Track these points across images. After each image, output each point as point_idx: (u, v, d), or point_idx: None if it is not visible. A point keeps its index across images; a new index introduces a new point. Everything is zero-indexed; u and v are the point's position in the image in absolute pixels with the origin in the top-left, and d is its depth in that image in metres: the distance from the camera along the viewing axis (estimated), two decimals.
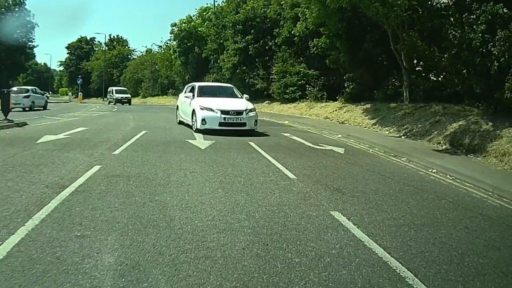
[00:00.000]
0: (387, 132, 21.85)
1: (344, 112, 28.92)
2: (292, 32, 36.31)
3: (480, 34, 15.88)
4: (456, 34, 17.22)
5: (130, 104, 59.60)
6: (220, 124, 18.32)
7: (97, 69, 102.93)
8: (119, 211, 6.79)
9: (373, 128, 23.76)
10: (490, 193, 10.13)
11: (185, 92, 22.52)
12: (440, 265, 5.53)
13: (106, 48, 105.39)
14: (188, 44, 63.08)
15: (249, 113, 19.02)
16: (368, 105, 27.96)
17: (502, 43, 15.06)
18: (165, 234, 5.92)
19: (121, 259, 5.05)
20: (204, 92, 20.64)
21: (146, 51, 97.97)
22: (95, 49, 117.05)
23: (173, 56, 72.34)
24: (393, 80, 28.30)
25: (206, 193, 8.24)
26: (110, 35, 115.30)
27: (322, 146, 16.41)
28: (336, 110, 30.25)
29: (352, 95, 31.25)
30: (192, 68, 62.12)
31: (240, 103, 19.64)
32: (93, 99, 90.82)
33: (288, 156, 13.41)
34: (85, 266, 4.84)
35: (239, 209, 7.34)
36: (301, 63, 37.92)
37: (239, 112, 18.68)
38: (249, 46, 43.59)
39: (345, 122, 26.90)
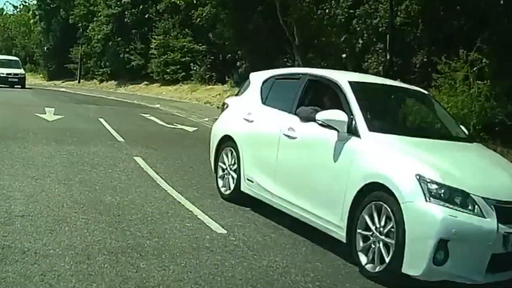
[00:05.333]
0: None
1: (227, 96, 36.39)
2: None
3: (346, 9, 22.76)
4: (326, 9, 24.36)
5: (23, 86, 50.06)
6: (495, 263, 7.48)
7: None
8: None
9: None
10: None
11: (272, 95, 10.98)
12: (196, 186, 12.72)
13: None
14: (52, 5, 67.87)
15: None
16: None
17: (362, 20, 21.80)
18: (7, 159, 13.04)
19: None
20: (379, 113, 9.77)
21: None
22: None
23: (32, 21, 77.07)
24: (285, 59, 35.49)
25: (41, 143, 15.37)
26: None
27: (174, 125, 23.76)
28: (220, 94, 37.66)
29: (243, 76, 38.41)
30: (55, 37, 67.73)
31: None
32: None
33: (131, 129, 20.68)
34: None
35: (64, 151, 14.43)
36: (186, 36, 44.76)
37: None
38: (125, 12, 50.15)
39: None
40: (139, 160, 14.31)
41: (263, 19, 34.60)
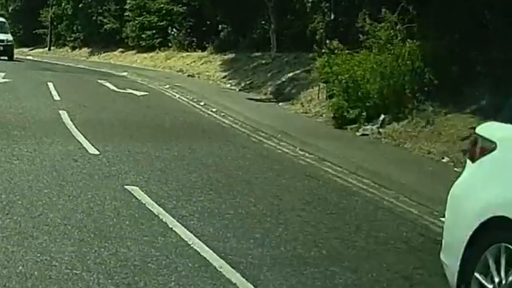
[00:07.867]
0: (228, 85, 34.43)
1: (201, 64, 41.49)
2: None
3: None
4: None
5: (11, 58, 47.76)
6: None
7: None
8: None
9: (220, 81, 36.33)
10: (239, 123, 22.15)
11: None
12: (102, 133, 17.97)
13: None
14: None
15: None
16: (232, 55, 40.54)
17: None
18: None
19: None
20: None
21: None
22: None
23: None
24: (263, 23, 39.78)
25: None
26: None
27: (125, 90, 29.00)
28: (194, 62, 42.55)
29: (224, 42, 43.01)
30: None
31: None
32: None
33: (74, 92, 26.14)
34: None
35: (3, 106, 19.87)
36: None
37: None
38: None
39: (195, 75, 39.26)
40: (62, 112, 19.41)
41: None
